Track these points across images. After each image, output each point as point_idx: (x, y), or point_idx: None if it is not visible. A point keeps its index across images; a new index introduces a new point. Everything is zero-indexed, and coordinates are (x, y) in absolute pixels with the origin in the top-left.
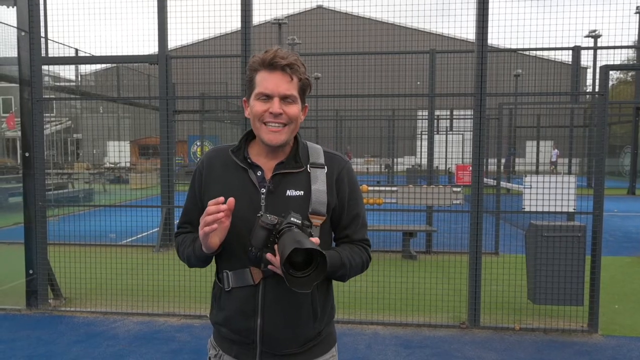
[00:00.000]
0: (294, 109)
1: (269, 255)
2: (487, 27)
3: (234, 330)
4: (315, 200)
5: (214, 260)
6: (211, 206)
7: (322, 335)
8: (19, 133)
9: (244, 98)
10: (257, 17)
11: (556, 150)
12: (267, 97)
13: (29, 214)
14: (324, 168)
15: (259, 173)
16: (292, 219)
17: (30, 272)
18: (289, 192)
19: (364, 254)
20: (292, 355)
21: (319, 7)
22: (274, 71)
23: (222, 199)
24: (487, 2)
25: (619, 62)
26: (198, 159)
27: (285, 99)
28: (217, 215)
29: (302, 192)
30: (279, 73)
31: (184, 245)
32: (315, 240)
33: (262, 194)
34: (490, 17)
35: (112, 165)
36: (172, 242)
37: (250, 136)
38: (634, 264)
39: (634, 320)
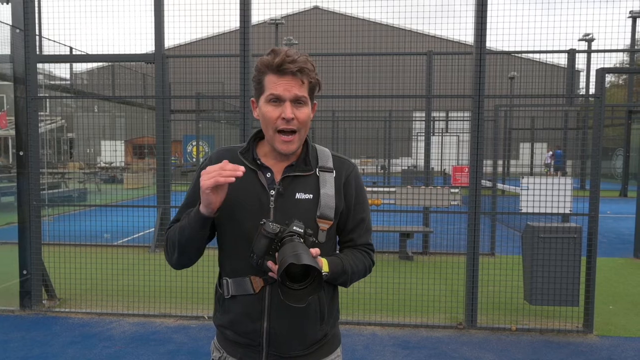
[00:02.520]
0: (305, 112)
1: (269, 263)
2: (485, 29)
3: (240, 332)
4: (324, 204)
5: (215, 263)
6: (229, 165)
7: (328, 337)
8: (11, 132)
9: (252, 98)
10: (254, 17)
11: (551, 152)
12: (278, 100)
13: (23, 214)
14: (333, 172)
15: (268, 175)
16: (294, 227)
17: (24, 272)
18: (298, 195)
19: (367, 260)
20: (298, 358)
21: (316, 8)
22: (284, 76)
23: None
24: (486, 5)
25: (611, 66)
26: (203, 158)
27: (296, 101)
28: (236, 173)
29: (311, 196)
30: (290, 77)
31: (175, 230)
32: (315, 251)
33: (272, 195)
34: (488, 20)
35: (106, 165)
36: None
37: (258, 136)
38: (627, 265)
39: (628, 321)
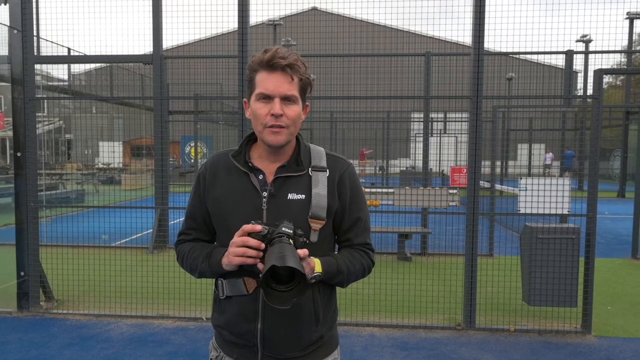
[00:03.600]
0: (295, 110)
1: (259, 265)
2: (483, 30)
3: (235, 333)
4: (316, 204)
5: None
6: (253, 241)
7: (324, 339)
8: (9, 133)
9: (245, 99)
10: (253, 18)
11: (550, 154)
12: (268, 98)
13: (20, 215)
14: (326, 171)
15: (260, 177)
16: (283, 228)
17: (22, 274)
18: (290, 196)
19: (365, 259)
20: (294, 359)
21: (314, 9)
22: (274, 72)
23: (260, 227)
24: (484, 7)
25: (609, 67)
26: (201, 163)
27: (286, 99)
28: (256, 261)
29: (303, 196)
30: (279, 73)
31: (193, 258)
32: (303, 251)
33: (264, 197)
34: (486, 21)
35: (104, 166)
36: (166, 243)
37: (251, 139)
38: (625, 265)
39: (626, 321)
